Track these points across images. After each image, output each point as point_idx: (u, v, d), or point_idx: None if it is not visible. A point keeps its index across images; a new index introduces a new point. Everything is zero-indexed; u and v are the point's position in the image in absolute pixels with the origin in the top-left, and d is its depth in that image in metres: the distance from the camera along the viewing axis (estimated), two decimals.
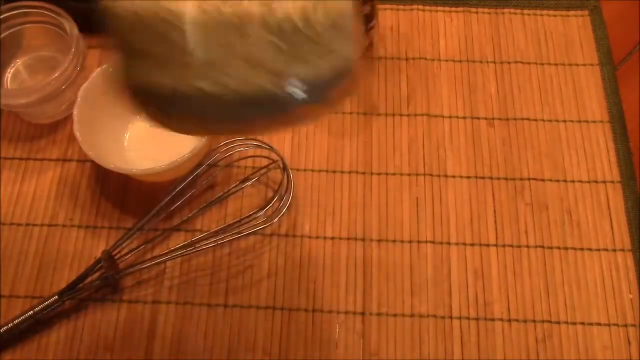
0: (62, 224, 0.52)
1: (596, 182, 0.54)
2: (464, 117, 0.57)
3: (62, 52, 0.53)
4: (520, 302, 0.49)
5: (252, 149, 0.53)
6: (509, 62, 0.60)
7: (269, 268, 0.50)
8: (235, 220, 0.50)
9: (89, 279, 0.47)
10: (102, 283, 0.47)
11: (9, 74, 0.57)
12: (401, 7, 0.63)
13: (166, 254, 0.48)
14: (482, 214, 0.53)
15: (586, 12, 0.62)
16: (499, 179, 0.54)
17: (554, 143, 0.56)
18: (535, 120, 0.57)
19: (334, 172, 0.54)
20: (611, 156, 0.55)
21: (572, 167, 0.55)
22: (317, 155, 0.55)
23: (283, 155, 0.51)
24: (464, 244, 0.51)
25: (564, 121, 0.57)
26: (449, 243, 0.51)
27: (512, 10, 0.63)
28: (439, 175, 0.54)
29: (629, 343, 0.48)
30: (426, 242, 0.51)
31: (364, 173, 0.54)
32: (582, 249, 0.51)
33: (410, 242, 0.51)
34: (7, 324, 0.45)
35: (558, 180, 0.54)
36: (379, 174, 0.54)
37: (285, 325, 0.48)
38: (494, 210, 0.53)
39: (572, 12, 0.63)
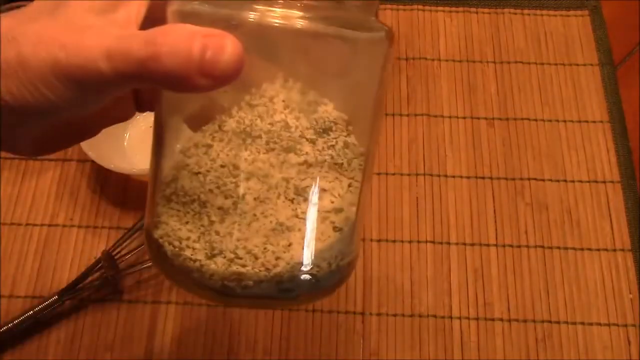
0: (62, 224, 0.52)
1: (596, 182, 0.54)
2: (464, 117, 0.57)
3: None
4: (520, 302, 0.49)
5: None
6: (509, 62, 0.60)
7: None
8: None
9: (89, 279, 0.47)
10: (102, 283, 0.47)
11: None
12: (401, 7, 0.63)
13: None
14: (482, 214, 0.53)
15: (586, 12, 0.62)
16: (499, 179, 0.54)
17: (554, 143, 0.56)
18: (535, 120, 0.57)
19: None
20: (611, 156, 0.55)
21: (572, 167, 0.55)
22: None
23: None
24: (464, 243, 0.51)
25: (564, 121, 0.57)
26: (449, 243, 0.51)
27: (512, 10, 0.63)
28: (439, 175, 0.54)
29: (629, 343, 0.48)
30: (426, 242, 0.51)
31: None
32: (582, 249, 0.51)
33: (410, 242, 0.51)
34: (7, 324, 0.45)
35: (558, 180, 0.54)
36: (379, 174, 0.54)
37: (285, 325, 0.48)
38: (494, 210, 0.53)
39: (572, 12, 0.63)
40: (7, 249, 0.51)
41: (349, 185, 0.25)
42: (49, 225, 0.52)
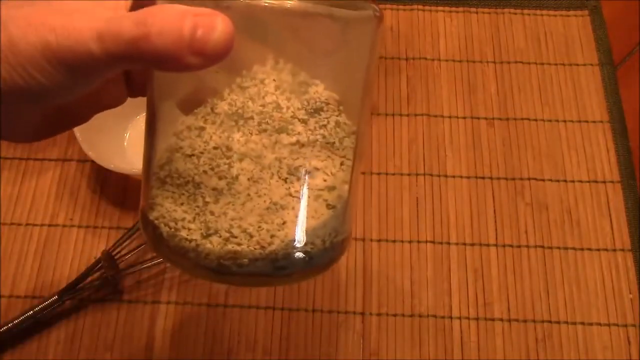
0: (62, 224, 0.52)
1: (596, 182, 0.54)
2: (464, 117, 0.57)
3: None
4: (520, 302, 0.49)
5: None
6: (509, 62, 0.60)
7: None
8: None
9: (89, 279, 0.47)
10: (102, 283, 0.47)
11: None
12: (401, 7, 0.63)
13: None
14: (482, 214, 0.53)
15: (586, 12, 0.62)
16: (499, 179, 0.54)
17: (554, 143, 0.56)
18: (535, 120, 0.57)
19: None
20: (611, 156, 0.55)
21: (572, 167, 0.55)
22: None
23: None
24: (464, 244, 0.51)
25: (564, 121, 0.57)
26: (449, 243, 0.51)
27: (512, 10, 0.63)
28: (439, 175, 0.54)
29: (629, 343, 0.48)
30: (426, 242, 0.51)
31: (363, 173, 0.54)
32: (582, 249, 0.51)
33: (410, 242, 0.51)
34: (7, 324, 0.45)
35: (558, 180, 0.54)
36: (379, 174, 0.54)
37: (285, 325, 0.48)
38: (494, 210, 0.53)
39: (572, 12, 0.63)
40: (7, 249, 0.51)
41: (341, 164, 0.25)
42: (49, 225, 0.52)
